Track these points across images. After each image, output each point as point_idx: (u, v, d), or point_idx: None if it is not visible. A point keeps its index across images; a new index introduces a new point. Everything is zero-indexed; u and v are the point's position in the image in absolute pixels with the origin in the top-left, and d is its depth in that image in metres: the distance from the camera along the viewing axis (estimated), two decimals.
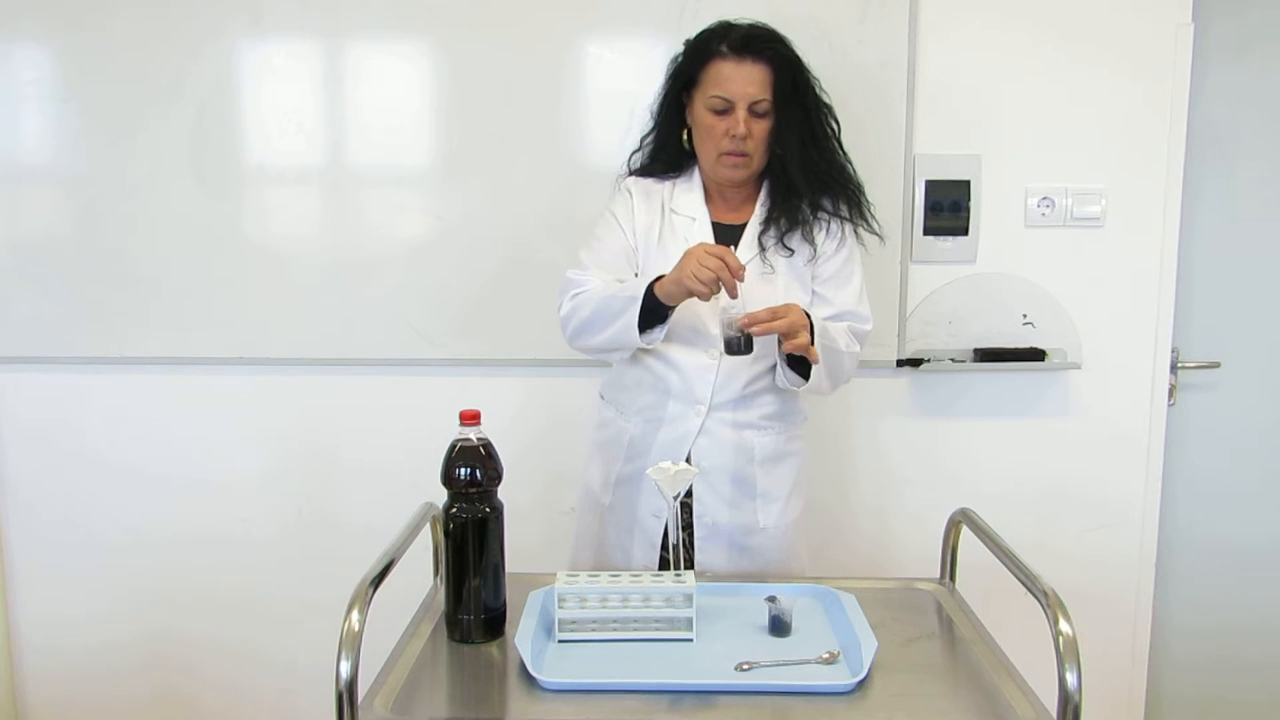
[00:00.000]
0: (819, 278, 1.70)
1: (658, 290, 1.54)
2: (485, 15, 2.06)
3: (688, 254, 1.51)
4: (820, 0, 2.03)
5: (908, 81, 2.07)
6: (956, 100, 2.10)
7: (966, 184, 2.12)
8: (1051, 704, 1.13)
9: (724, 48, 1.61)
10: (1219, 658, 2.37)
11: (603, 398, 1.81)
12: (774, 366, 1.67)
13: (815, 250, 1.68)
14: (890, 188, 2.07)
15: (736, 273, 1.48)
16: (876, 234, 1.75)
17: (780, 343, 1.57)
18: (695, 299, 1.57)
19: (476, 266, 2.13)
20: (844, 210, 1.70)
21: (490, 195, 2.11)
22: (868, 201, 1.73)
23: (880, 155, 2.05)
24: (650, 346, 1.62)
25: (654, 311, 1.57)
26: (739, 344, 1.50)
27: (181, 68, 2.09)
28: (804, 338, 1.51)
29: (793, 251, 1.67)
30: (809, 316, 1.55)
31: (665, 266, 1.58)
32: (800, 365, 1.61)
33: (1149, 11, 2.08)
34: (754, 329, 1.49)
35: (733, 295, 1.49)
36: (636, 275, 1.68)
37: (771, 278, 1.66)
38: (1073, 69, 2.09)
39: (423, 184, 2.14)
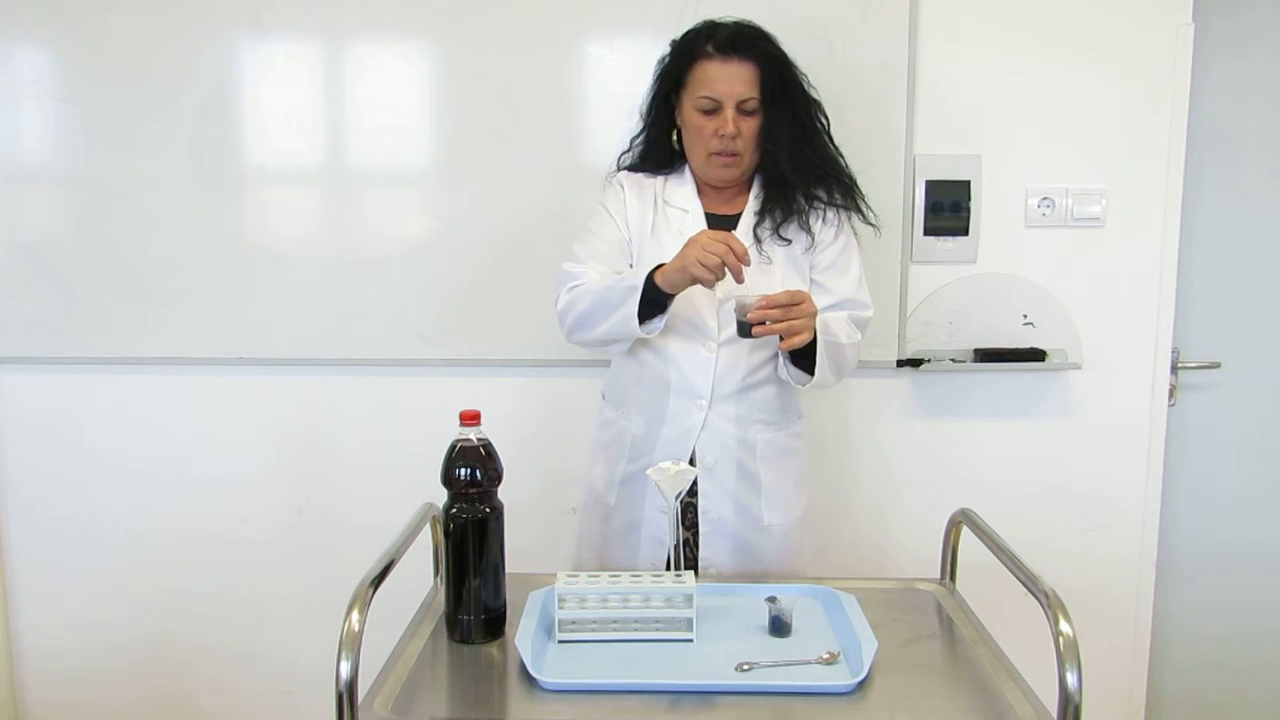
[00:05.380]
0: (817, 266, 1.70)
1: (659, 278, 1.54)
2: (485, 15, 2.06)
3: (691, 240, 1.50)
4: (821, 1, 2.03)
5: (908, 81, 2.07)
6: (956, 100, 2.10)
7: (966, 184, 2.12)
8: (1051, 704, 1.13)
9: (710, 47, 1.61)
10: (1219, 658, 2.37)
11: (604, 398, 1.81)
12: (773, 356, 1.68)
13: (813, 239, 1.68)
14: (890, 188, 2.07)
15: (742, 258, 1.47)
16: (871, 224, 1.75)
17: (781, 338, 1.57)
18: (694, 289, 1.57)
19: (476, 266, 2.13)
20: (839, 199, 1.70)
21: (490, 195, 2.11)
22: (861, 192, 1.73)
23: (880, 155, 2.05)
24: (650, 336, 1.61)
25: (654, 301, 1.56)
26: (752, 327, 1.49)
27: (181, 68, 2.09)
28: (806, 336, 1.51)
29: (789, 241, 1.67)
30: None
31: (659, 258, 1.58)
32: (804, 362, 1.61)
33: (1149, 11, 2.08)
34: (768, 313, 1.47)
35: (739, 280, 1.49)
36: (632, 267, 1.68)
37: (769, 268, 1.65)
38: (1073, 69, 2.09)
39: (422, 184, 2.14)
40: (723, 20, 1.64)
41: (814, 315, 1.52)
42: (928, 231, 2.13)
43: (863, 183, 1.74)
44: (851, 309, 1.69)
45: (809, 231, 1.68)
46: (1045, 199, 2.13)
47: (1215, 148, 2.19)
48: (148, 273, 2.15)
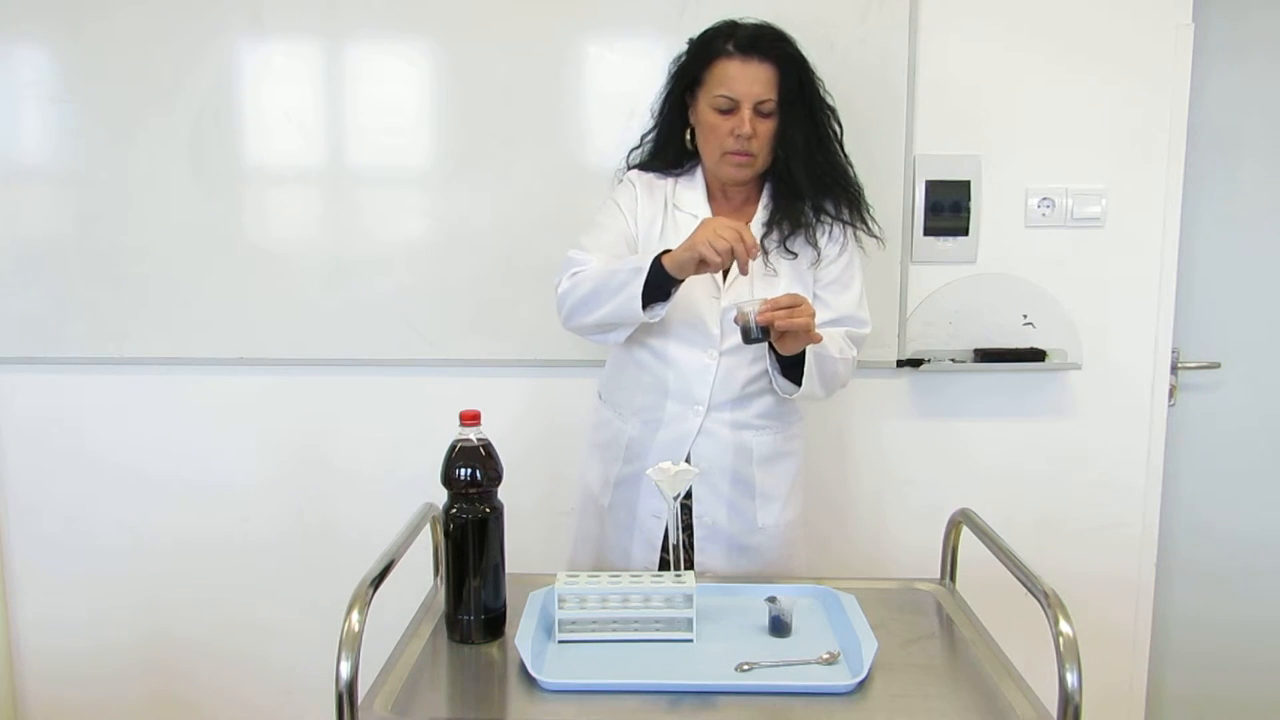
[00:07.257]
0: (820, 281, 1.70)
1: (666, 262, 1.52)
2: (485, 15, 2.06)
3: (704, 223, 1.50)
4: (821, 0, 2.03)
5: (908, 82, 2.07)
6: (956, 100, 2.10)
7: (966, 184, 2.12)
8: (1051, 704, 1.13)
9: (730, 46, 1.61)
10: (1219, 658, 2.37)
11: (600, 398, 1.81)
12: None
13: (819, 254, 1.68)
14: (891, 188, 2.07)
15: (751, 249, 1.47)
16: (876, 237, 1.75)
17: (772, 347, 1.57)
18: (697, 295, 1.57)
19: (476, 267, 2.13)
20: (845, 213, 1.70)
21: (490, 196, 2.11)
22: (868, 205, 1.73)
23: (881, 156, 2.05)
24: (652, 321, 1.58)
25: (658, 288, 1.54)
26: (756, 332, 1.48)
27: (181, 68, 2.09)
28: (816, 336, 1.51)
29: (796, 255, 1.67)
30: None
31: None
32: (792, 373, 1.61)
33: (1149, 12, 2.08)
34: (774, 314, 1.45)
35: (744, 271, 1.49)
36: None
37: (774, 280, 1.66)
38: (1073, 69, 2.09)
39: (423, 184, 2.14)
40: (744, 20, 1.64)
41: (813, 316, 1.52)
42: (928, 231, 2.13)
43: (863, 183, 1.74)
44: (850, 326, 1.70)
45: (815, 246, 1.68)
46: (1045, 199, 2.13)
47: (1215, 148, 2.19)
48: (148, 273, 2.15)
